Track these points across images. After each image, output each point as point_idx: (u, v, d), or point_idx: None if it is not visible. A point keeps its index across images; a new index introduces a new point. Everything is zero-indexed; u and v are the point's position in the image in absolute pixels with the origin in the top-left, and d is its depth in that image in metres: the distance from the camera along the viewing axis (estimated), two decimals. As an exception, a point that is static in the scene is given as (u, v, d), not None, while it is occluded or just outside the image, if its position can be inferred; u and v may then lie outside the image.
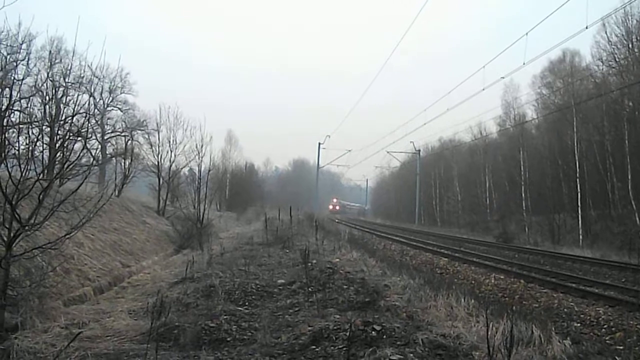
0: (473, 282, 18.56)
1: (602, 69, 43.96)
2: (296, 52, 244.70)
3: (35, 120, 18.98)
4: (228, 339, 8.51)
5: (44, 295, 11.00)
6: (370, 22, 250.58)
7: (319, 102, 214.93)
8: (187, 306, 11.02)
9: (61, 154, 15.49)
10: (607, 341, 10.46)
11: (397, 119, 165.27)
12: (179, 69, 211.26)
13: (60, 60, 24.61)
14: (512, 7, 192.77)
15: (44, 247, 10.36)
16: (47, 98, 21.14)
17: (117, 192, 32.87)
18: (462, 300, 10.47)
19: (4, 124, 11.25)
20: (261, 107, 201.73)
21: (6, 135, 11.01)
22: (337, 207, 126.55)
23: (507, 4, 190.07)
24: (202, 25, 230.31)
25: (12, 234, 9.17)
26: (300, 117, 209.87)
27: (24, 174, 9.63)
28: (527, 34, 28.15)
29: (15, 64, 19.08)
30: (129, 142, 40.17)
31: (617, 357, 8.39)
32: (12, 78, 15.94)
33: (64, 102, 19.77)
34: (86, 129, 15.88)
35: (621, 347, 9.62)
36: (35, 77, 22.46)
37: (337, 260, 17.63)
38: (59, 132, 17.12)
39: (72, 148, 15.86)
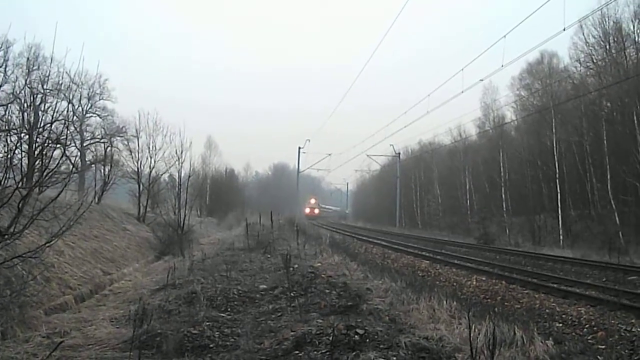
0: (455, 284, 18.58)
1: (580, 70, 44.50)
2: (276, 54, 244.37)
3: (14, 127, 18.85)
4: (211, 346, 8.50)
5: (25, 304, 10.94)
6: (351, 26, 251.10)
7: (299, 106, 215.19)
8: (169, 313, 10.99)
9: (40, 162, 15.38)
10: (589, 341, 10.53)
11: (377, 122, 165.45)
12: (157, 71, 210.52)
13: (39, 67, 24.39)
14: (491, 10, 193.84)
15: (24, 255, 10.28)
16: (26, 105, 21.07)
17: (97, 199, 32.74)
18: (444, 302, 10.55)
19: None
20: (241, 110, 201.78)
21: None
22: (317, 211, 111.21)
23: (485, 7, 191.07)
24: (181, 27, 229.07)
25: (-9, 244, 9.11)
26: (280, 121, 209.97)
27: (3, 183, 9.59)
28: (505, 36, 28.37)
29: (-8, 72, 18.96)
30: (109, 148, 39.86)
31: (599, 357, 8.47)
32: (-10, 86, 15.82)
33: (42, 109, 19.64)
34: (65, 136, 15.77)
35: (603, 347, 9.71)
36: (13, 84, 22.36)
37: (319, 264, 17.67)
38: (38, 139, 16.96)
39: (51, 155, 15.75)
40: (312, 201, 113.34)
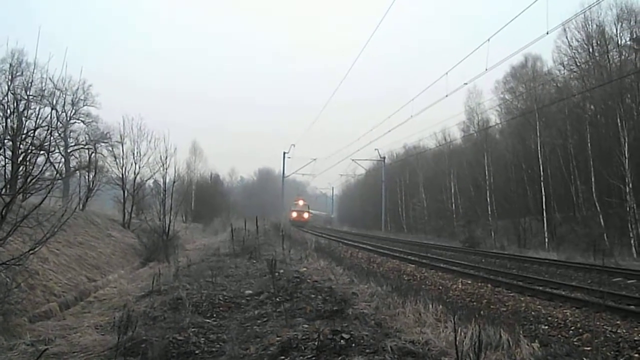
0: (441, 287, 18.56)
1: (564, 74, 44.91)
2: (260, 57, 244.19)
3: (-3, 134, 18.72)
4: (196, 352, 8.45)
5: (9, 312, 10.85)
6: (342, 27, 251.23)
7: (284, 110, 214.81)
8: (155, 319, 10.92)
9: (24, 168, 15.28)
10: (575, 343, 10.55)
11: (362, 126, 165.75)
12: (140, 77, 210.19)
13: (22, 73, 24.28)
14: (473, 14, 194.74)
15: (7, 263, 10.22)
16: (9, 111, 20.96)
17: (81, 205, 32.49)
18: (430, 306, 10.52)
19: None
20: (227, 112, 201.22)
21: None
22: (306, 215, 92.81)
23: (468, 10, 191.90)
24: (164, 26, 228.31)
25: (-26, 251, 9.05)
26: (265, 126, 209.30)
27: (-15, 190, 9.52)
28: (489, 39, 28.44)
29: (-25, 78, 18.90)
30: (93, 154, 39.68)
31: (585, 359, 8.49)
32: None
33: (26, 115, 19.55)
34: (49, 142, 15.72)
35: (589, 348, 9.74)
36: (-4, 90, 22.22)
37: (305, 269, 17.62)
38: (21, 145, 16.89)
39: (35, 162, 15.67)
40: (300, 203, 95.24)
